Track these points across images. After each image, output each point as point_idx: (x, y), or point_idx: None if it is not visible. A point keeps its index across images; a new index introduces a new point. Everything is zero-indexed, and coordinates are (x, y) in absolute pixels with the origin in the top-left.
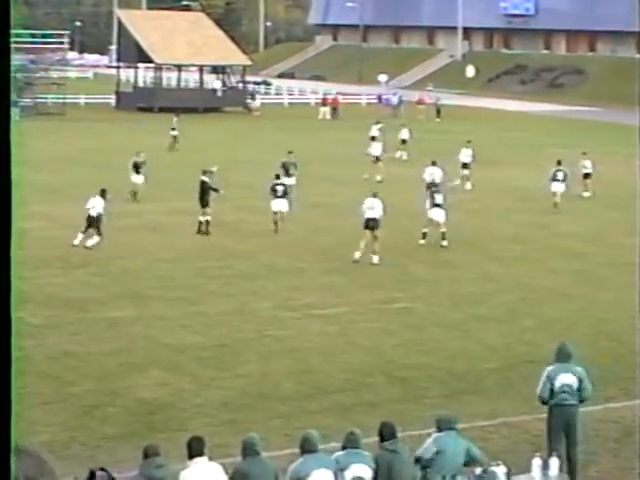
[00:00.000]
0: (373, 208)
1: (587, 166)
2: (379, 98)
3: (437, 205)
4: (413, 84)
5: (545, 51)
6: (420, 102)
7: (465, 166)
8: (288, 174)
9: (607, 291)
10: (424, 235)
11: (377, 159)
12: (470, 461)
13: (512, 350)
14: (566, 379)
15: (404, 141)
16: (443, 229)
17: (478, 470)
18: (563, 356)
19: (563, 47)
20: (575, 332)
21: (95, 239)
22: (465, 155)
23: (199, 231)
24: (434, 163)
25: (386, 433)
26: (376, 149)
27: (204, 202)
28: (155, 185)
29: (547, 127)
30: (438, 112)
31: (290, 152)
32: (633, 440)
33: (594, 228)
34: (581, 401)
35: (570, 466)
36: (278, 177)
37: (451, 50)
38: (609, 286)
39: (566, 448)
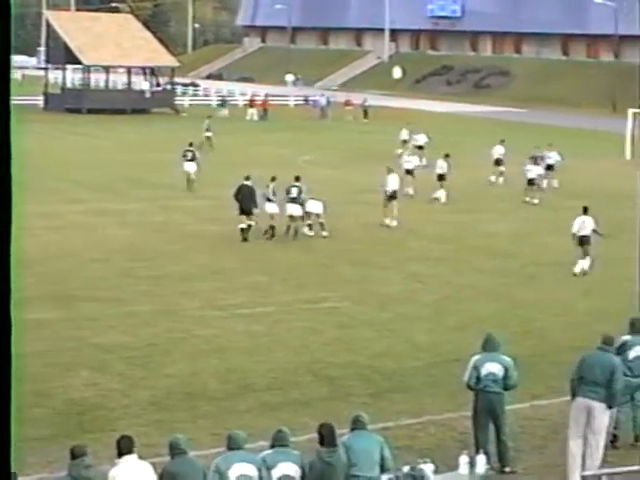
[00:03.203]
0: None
1: (532, 170)
2: (306, 100)
3: (292, 200)
4: (341, 85)
5: (471, 52)
6: (347, 103)
7: (498, 163)
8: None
9: (533, 290)
10: (287, 229)
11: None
12: (381, 460)
13: (438, 349)
14: (492, 368)
15: (421, 147)
16: (298, 222)
17: (406, 468)
18: (490, 346)
19: (489, 48)
20: (501, 330)
21: (587, 260)
22: (498, 153)
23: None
24: (447, 155)
25: (326, 435)
26: (409, 163)
27: (247, 209)
28: (81, 185)
29: (473, 128)
30: (365, 113)
31: (297, 177)
32: (559, 437)
33: (518, 227)
34: (506, 389)
35: (500, 450)
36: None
37: (378, 51)
38: (535, 285)
39: (495, 434)
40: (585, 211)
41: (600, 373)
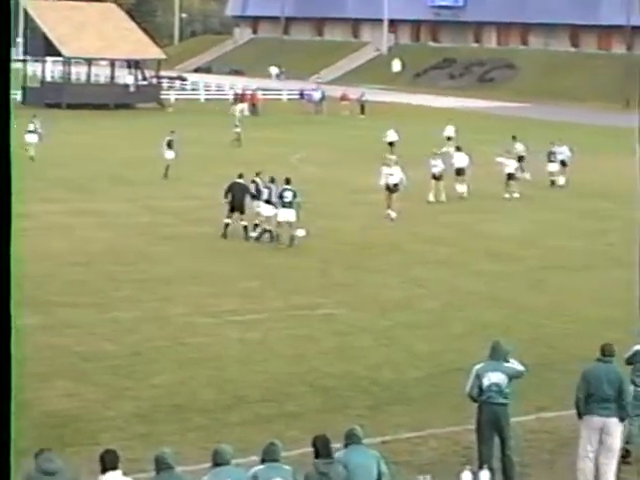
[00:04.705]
0: (462, 161)
1: (510, 166)
2: (301, 94)
3: (287, 204)
4: (337, 79)
5: (475, 44)
6: (344, 98)
7: (520, 159)
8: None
9: (540, 295)
10: (270, 234)
11: (435, 177)
12: (379, 475)
13: (440, 358)
14: (495, 378)
15: (449, 138)
16: (294, 231)
17: None
18: (495, 354)
19: (494, 40)
20: (507, 338)
21: None
22: (519, 150)
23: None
24: (458, 149)
25: (321, 448)
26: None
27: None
28: (60, 184)
29: (475, 124)
30: (362, 108)
31: (288, 180)
32: (568, 452)
33: (522, 230)
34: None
35: (505, 465)
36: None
37: (377, 43)
38: (542, 290)
39: (500, 449)
40: None
41: (609, 387)
